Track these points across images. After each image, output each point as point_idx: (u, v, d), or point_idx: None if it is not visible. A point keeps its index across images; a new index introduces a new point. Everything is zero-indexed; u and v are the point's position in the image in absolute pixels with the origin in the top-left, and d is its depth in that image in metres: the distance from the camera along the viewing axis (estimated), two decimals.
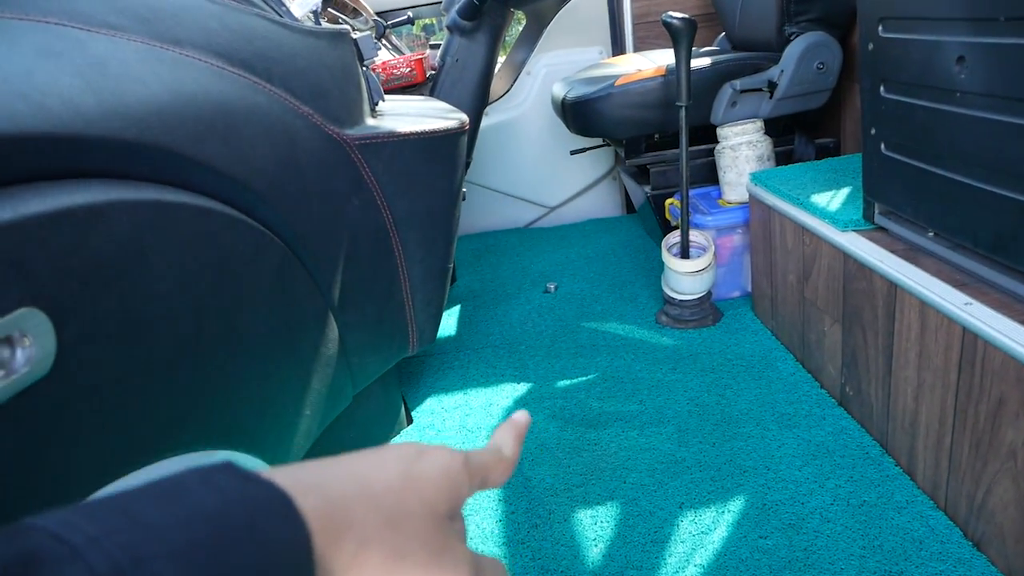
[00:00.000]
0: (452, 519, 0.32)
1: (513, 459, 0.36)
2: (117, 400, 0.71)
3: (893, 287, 1.09)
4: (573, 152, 2.24)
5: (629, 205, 2.71)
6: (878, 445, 1.19)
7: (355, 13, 2.13)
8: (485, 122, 2.57)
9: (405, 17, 2.43)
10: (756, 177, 1.61)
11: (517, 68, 2.64)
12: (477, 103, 2.03)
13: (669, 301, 1.74)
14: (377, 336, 1.29)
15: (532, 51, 2.61)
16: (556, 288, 2.06)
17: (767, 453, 1.22)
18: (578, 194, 2.72)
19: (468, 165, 2.09)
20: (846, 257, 1.23)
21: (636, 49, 2.49)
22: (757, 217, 1.63)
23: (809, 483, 1.13)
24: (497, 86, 2.67)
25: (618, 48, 2.52)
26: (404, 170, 1.24)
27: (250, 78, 0.97)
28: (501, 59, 2.76)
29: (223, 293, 0.86)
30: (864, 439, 1.21)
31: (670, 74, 1.81)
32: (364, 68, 1.27)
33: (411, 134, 1.23)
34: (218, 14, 0.97)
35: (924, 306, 1.01)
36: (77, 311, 0.66)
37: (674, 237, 1.76)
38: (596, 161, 2.66)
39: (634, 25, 2.48)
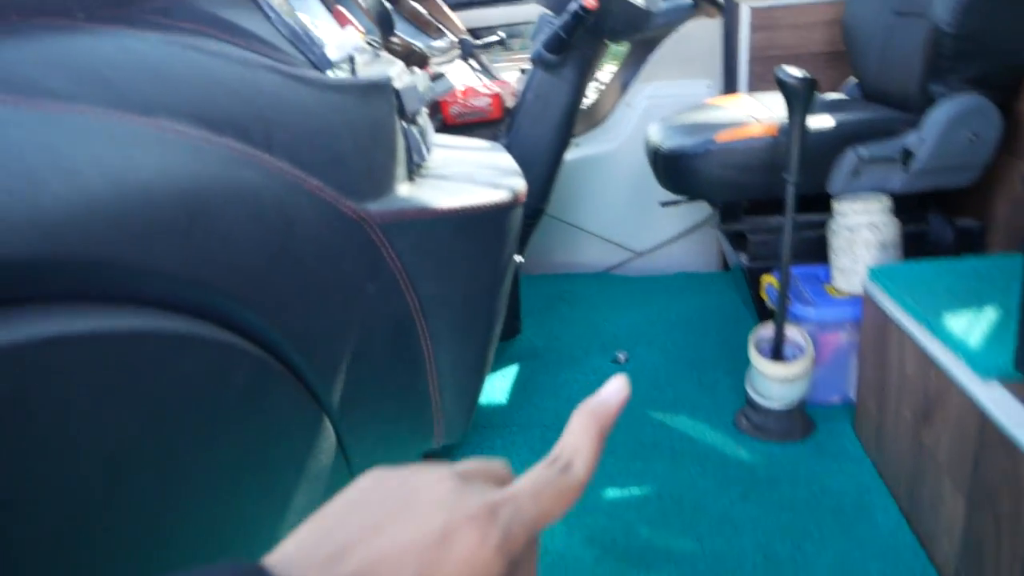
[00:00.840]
0: None
1: (586, 477, 0.30)
2: None
3: None
4: (664, 204, 1.99)
5: (726, 260, 2.43)
6: None
7: (438, 32, 1.96)
8: (576, 153, 2.36)
9: (496, 37, 2.25)
10: (876, 274, 1.32)
11: (618, 93, 2.41)
12: (557, 144, 1.82)
13: (752, 404, 1.48)
14: (392, 434, 1.11)
15: (635, 77, 2.37)
16: (627, 359, 1.83)
17: None
18: (670, 241, 2.46)
19: (542, 212, 1.88)
20: (984, 417, 0.94)
21: (751, 87, 2.19)
22: (871, 322, 1.34)
23: None
24: (597, 112, 2.44)
25: (730, 85, 2.23)
26: (436, 250, 1.05)
27: (239, 148, 0.80)
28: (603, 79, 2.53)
29: (161, 428, 0.69)
30: None
31: (782, 135, 1.54)
32: (404, 125, 1.09)
33: (448, 211, 1.04)
34: (214, 69, 0.81)
35: None
36: None
37: (764, 330, 1.49)
38: (693, 206, 2.39)
39: (751, 60, 2.19)
